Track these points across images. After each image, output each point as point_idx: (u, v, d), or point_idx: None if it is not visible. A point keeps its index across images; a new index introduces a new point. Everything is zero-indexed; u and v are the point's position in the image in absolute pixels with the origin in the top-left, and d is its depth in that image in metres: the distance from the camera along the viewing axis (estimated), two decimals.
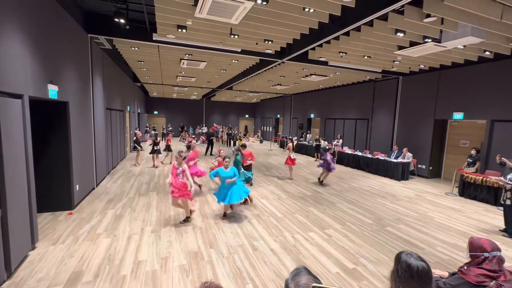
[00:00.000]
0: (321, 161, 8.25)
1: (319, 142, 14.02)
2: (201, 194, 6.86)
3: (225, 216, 5.25)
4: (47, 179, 5.02)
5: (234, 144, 19.03)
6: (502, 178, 4.90)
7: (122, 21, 5.51)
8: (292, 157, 8.77)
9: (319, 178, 8.51)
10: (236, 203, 5.22)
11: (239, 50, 7.79)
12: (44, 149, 4.99)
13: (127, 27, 5.87)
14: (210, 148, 14.23)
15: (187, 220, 4.97)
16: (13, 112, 3.24)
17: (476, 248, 1.89)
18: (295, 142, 15.60)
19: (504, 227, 4.96)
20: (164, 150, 11.31)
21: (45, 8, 4.28)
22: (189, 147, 7.14)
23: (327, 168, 8.05)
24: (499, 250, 1.85)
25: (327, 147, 13.75)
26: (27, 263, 3.44)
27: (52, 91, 4.45)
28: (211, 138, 14.30)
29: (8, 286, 2.98)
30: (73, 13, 5.55)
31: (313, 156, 14.20)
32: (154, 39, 6.85)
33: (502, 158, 6.35)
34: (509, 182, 4.67)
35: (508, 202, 4.73)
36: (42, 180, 4.86)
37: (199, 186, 7.24)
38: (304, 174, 9.90)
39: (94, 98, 6.93)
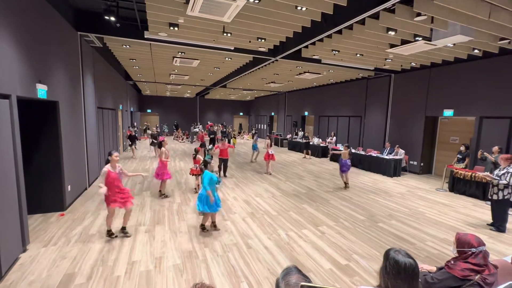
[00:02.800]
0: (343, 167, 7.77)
1: (308, 139, 14.08)
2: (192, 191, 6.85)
3: (204, 229, 4.56)
4: (38, 180, 4.93)
5: (229, 142, 18.99)
6: (489, 173, 5.03)
7: (112, 18, 5.42)
8: (270, 153, 9.29)
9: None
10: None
11: (232, 48, 7.75)
12: (35, 149, 4.90)
13: (118, 24, 5.78)
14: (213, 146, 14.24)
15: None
16: (0, 112, 3.18)
17: (463, 244, 1.95)
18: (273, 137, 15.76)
19: (492, 221, 5.11)
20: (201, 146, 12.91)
21: (32, 5, 4.18)
22: (160, 146, 6.25)
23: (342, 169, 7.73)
24: (484, 245, 1.92)
25: (323, 145, 13.88)
26: (18, 266, 3.39)
27: (41, 90, 4.36)
28: (212, 136, 14.21)
29: None
30: (62, 10, 5.43)
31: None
32: (145, 37, 6.76)
33: (484, 153, 6.56)
34: (496, 177, 4.80)
35: (495, 197, 4.87)
36: (33, 181, 4.78)
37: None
38: (298, 172, 9.96)
39: (85, 97, 6.81)
